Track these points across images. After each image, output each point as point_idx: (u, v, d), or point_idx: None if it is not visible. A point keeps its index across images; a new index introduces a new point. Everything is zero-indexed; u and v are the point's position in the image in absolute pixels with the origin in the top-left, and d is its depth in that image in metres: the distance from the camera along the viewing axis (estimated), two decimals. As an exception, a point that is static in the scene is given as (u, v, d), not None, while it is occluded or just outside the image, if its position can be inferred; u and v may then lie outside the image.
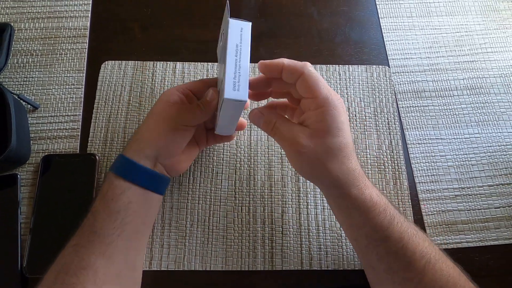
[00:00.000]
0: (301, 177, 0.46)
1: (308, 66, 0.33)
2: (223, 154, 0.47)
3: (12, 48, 0.50)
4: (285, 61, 0.33)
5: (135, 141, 0.36)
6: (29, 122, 0.48)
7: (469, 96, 0.52)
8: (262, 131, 0.48)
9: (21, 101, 0.47)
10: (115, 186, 0.34)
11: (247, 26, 0.33)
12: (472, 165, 0.48)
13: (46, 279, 0.32)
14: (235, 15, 0.57)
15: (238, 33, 0.33)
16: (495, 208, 0.46)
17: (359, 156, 0.48)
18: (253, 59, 0.33)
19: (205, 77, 0.51)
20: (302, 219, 0.45)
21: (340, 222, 0.37)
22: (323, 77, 0.38)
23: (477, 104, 0.51)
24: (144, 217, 0.36)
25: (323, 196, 0.45)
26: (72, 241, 0.33)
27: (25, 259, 0.41)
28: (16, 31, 0.52)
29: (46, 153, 0.46)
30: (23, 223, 0.43)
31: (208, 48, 0.53)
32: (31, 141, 0.47)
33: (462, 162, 0.48)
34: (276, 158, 0.47)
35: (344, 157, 0.33)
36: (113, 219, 0.33)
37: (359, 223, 0.33)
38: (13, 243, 0.41)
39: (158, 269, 0.42)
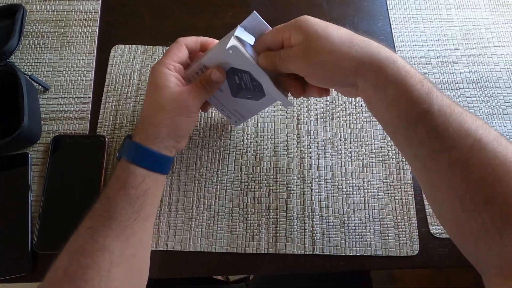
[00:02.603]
0: (306, 164, 0.47)
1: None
2: (229, 140, 0.48)
3: (24, 30, 0.51)
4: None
5: (152, 134, 0.36)
6: (40, 103, 0.49)
7: (475, 90, 0.52)
8: (268, 118, 0.49)
9: (33, 82, 0.48)
10: (136, 175, 0.35)
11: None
12: (475, 157, 0.49)
13: (60, 260, 0.32)
14: (245, 3, 0.57)
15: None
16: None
17: (364, 145, 0.48)
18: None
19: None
20: (306, 205, 0.45)
21: (386, 118, 0.33)
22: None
23: (482, 98, 0.52)
24: (157, 199, 0.38)
25: (327, 183, 0.46)
26: (85, 223, 0.34)
27: (35, 235, 0.42)
28: (28, 13, 0.53)
29: (56, 134, 0.47)
30: (33, 201, 0.44)
31: (217, 35, 0.53)
32: (42, 122, 0.48)
33: (465, 154, 0.49)
34: (282, 144, 0.48)
35: (340, 46, 0.34)
36: (132, 205, 0.34)
37: (395, 99, 0.31)
38: (24, 220, 0.42)
39: (165, 249, 0.43)
